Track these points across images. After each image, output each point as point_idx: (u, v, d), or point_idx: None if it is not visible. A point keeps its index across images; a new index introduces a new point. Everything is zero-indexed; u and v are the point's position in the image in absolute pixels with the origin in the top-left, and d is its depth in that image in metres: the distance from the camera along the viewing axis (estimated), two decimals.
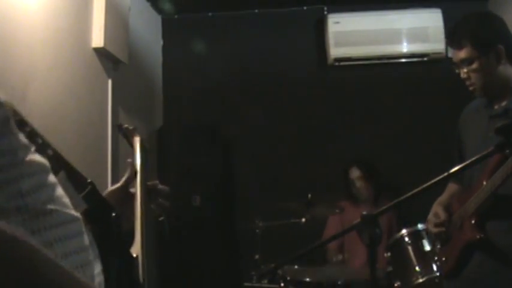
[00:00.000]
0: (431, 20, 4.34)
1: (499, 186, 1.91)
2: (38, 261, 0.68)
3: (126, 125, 1.64)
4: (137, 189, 1.32)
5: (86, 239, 0.87)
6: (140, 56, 4.21)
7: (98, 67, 3.39)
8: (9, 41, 2.51)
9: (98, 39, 3.29)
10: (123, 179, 1.38)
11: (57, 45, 2.90)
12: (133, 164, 1.41)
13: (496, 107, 2.14)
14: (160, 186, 1.43)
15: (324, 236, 3.93)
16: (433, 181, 1.57)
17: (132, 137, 1.61)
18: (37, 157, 0.85)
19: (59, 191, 0.86)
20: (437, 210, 2.25)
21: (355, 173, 3.99)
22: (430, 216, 2.28)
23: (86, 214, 0.89)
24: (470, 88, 2.15)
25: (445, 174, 1.60)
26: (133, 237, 1.20)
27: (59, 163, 0.97)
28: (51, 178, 0.86)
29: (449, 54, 4.28)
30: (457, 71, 2.17)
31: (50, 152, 0.99)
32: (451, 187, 2.36)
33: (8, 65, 2.49)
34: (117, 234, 1.02)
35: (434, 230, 2.24)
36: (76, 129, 3.05)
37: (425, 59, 4.43)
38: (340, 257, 3.61)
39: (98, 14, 3.30)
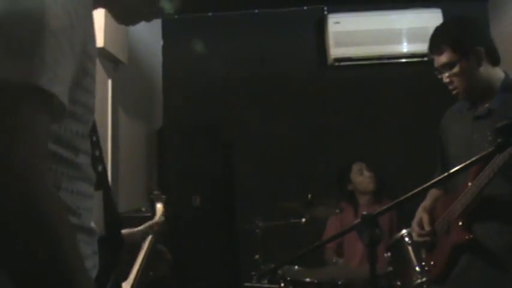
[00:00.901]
0: (431, 20, 4.33)
1: (485, 186, 1.91)
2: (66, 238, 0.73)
3: (157, 192, 1.85)
4: (146, 245, 1.50)
5: (91, 250, 0.90)
6: (140, 56, 4.21)
7: (98, 67, 3.38)
8: None
9: (98, 39, 3.27)
10: (141, 228, 1.55)
11: None
12: (152, 224, 1.60)
13: (479, 108, 2.15)
14: (167, 255, 1.59)
15: (324, 238, 3.93)
16: (433, 181, 1.57)
17: (158, 201, 1.80)
18: (90, 168, 0.91)
19: (92, 204, 0.89)
20: (421, 217, 2.25)
21: (360, 165, 3.98)
22: (414, 225, 2.27)
23: (99, 238, 0.95)
24: (454, 92, 2.16)
25: (445, 174, 1.60)
26: (127, 275, 1.35)
27: (101, 182, 1.02)
28: (92, 191, 0.92)
29: None
30: (439, 76, 2.18)
31: (100, 168, 1.03)
32: (434, 192, 2.34)
33: None
34: (116, 257, 1.07)
35: (420, 239, 2.24)
36: None
37: (425, 59, 4.41)
38: (340, 260, 3.61)
39: (98, 14, 3.28)
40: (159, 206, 1.79)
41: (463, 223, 2.04)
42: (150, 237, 1.54)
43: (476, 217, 2.02)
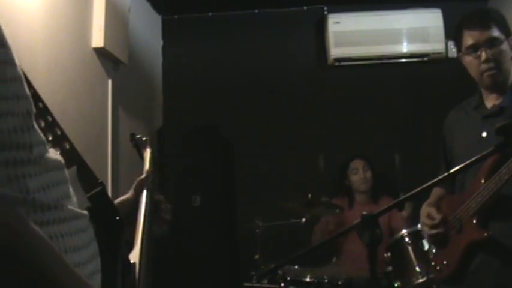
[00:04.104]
0: (431, 20, 4.34)
1: (505, 182, 1.88)
2: (43, 253, 0.68)
3: (139, 136, 1.65)
4: (143, 200, 1.35)
5: (88, 236, 0.87)
6: (140, 56, 4.21)
7: (98, 67, 3.39)
8: (9, 41, 2.51)
9: (98, 39, 3.29)
10: (131, 192, 1.40)
11: (57, 45, 2.90)
12: (143, 178, 1.43)
13: (489, 106, 2.12)
14: (164, 204, 1.46)
15: (314, 230, 3.88)
16: (433, 181, 1.57)
17: (144, 148, 1.62)
18: (52, 154, 0.82)
19: (70, 188, 0.85)
20: (429, 211, 2.19)
21: (358, 164, 3.98)
22: (424, 219, 2.21)
23: (89, 212, 0.88)
24: (487, 73, 2.06)
25: (446, 174, 1.60)
26: (132, 246, 1.21)
27: (73, 158, 0.96)
28: (64, 175, 0.85)
29: (450, 54, 4.29)
30: (471, 55, 2.08)
31: (66, 145, 0.97)
32: (437, 191, 2.29)
33: None
34: (118, 238, 1.02)
35: (432, 231, 2.15)
36: (76, 129, 3.05)
37: (425, 59, 4.43)
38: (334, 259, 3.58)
39: (98, 14, 3.30)
40: (148, 151, 1.59)
41: (477, 221, 2.00)
42: (145, 192, 1.37)
43: (491, 215, 1.99)
